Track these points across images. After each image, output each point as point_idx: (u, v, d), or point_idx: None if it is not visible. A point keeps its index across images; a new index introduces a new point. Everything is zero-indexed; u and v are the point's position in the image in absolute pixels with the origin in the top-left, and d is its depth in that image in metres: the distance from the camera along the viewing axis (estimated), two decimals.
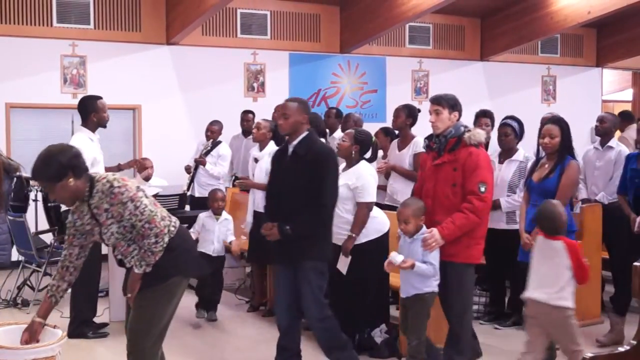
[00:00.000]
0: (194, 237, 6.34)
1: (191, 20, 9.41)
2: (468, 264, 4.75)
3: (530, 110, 10.62)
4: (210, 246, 6.69)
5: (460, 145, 4.68)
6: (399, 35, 11.77)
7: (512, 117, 6.57)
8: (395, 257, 4.61)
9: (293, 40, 11.10)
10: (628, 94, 14.61)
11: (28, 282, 7.53)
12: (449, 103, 4.76)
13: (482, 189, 4.58)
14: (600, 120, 6.96)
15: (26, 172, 7.99)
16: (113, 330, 6.18)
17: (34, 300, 7.12)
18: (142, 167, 8.42)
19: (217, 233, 6.72)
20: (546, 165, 5.36)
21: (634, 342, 4.02)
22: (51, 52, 9.62)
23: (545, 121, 5.63)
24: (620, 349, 4.10)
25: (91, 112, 6.20)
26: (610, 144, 6.79)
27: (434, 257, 4.61)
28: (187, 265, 3.99)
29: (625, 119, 9.50)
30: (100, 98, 6.32)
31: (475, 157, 4.64)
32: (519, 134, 6.44)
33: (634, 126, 8.17)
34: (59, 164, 3.65)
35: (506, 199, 6.26)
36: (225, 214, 6.85)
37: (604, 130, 6.88)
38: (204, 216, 6.82)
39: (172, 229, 3.89)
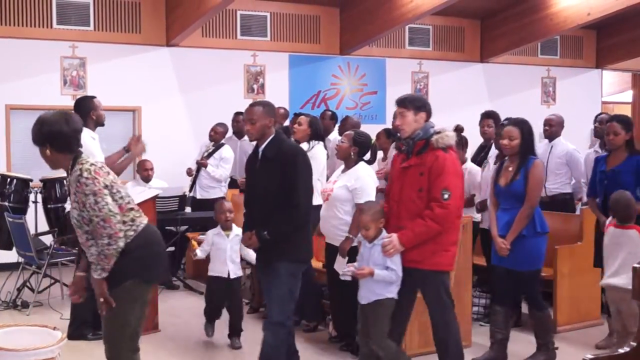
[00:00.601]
0: (202, 255, 6.09)
1: (191, 22, 9.42)
2: (435, 271, 4.56)
3: (530, 111, 10.61)
4: (224, 268, 5.97)
5: (428, 149, 4.53)
6: (398, 37, 11.77)
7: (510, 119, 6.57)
8: (343, 266, 4.62)
9: (293, 42, 11.10)
10: (628, 96, 14.62)
11: (28, 284, 7.52)
12: (414, 104, 4.61)
13: (445, 196, 4.42)
14: (600, 121, 7.01)
15: (26, 174, 8.03)
16: None
17: (34, 301, 7.12)
18: (142, 168, 8.43)
19: (229, 252, 5.99)
20: (510, 168, 5.30)
21: (634, 344, 4.02)
22: (51, 53, 9.62)
23: (506, 123, 5.53)
24: (621, 351, 4.09)
25: (89, 110, 6.20)
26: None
27: (396, 262, 4.52)
28: (144, 269, 3.89)
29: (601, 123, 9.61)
30: (95, 97, 6.32)
31: (442, 161, 4.47)
32: None
33: None
34: (39, 131, 3.83)
35: None
36: (235, 229, 5.99)
37: (603, 131, 6.89)
38: (212, 234, 6.07)
39: (132, 233, 3.83)
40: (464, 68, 12.33)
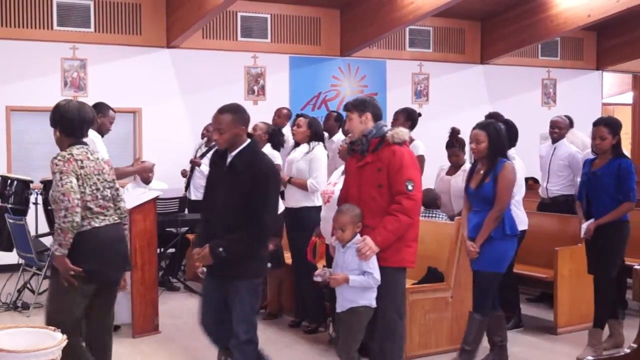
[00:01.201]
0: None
1: (191, 24, 9.42)
2: (399, 267, 4.53)
3: (531, 113, 10.64)
4: None
5: (384, 145, 4.53)
6: (399, 39, 11.78)
7: (505, 122, 6.56)
8: (321, 274, 4.51)
9: (293, 44, 11.10)
10: (628, 97, 14.63)
11: (28, 285, 7.53)
12: (358, 107, 4.65)
13: (410, 187, 4.41)
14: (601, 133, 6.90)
15: (26, 176, 8.03)
16: (115, 333, 6.17)
17: (34, 303, 7.12)
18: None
19: None
20: (481, 172, 5.24)
21: (635, 345, 4.02)
22: (52, 55, 9.63)
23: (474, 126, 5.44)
24: (621, 352, 4.09)
25: (98, 114, 6.20)
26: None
27: (373, 266, 4.39)
28: (85, 266, 4.11)
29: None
30: (113, 109, 6.41)
31: (400, 155, 4.47)
32: (509, 137, 6.38)
33: (574, 130, 8.22)
34: (53, 115, 4.50)
35: None
36: None
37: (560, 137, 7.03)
38: None
39: (91, 224, 4.15)
40: (465, 70, 12.33)
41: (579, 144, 7.76)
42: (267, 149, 6.73)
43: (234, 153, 4.36)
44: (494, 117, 7.41)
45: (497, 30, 12.12)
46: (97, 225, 4.18)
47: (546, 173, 7.40)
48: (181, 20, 9.71)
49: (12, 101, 9.47)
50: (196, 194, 8.75)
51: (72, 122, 4.41)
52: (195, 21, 9.31)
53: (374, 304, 4.44)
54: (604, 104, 13.84)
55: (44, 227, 7.92)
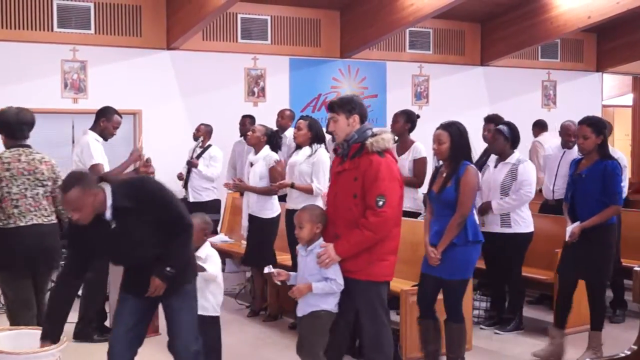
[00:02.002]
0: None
1: (192, 25, 9.42)
2: (372, 281, 4.33)
3: (531, 115, 10.63)
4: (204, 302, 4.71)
5: (363, 152, 4.30)
6: (399, 40, 11.78)
7: (506, 123, 6.58)
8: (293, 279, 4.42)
9: (293, 45, 11.11)
10: (628, 99, 14.63)
11: None
12: (344, 107, 4.38)
13: (380, 203, 4.19)
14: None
15: None
16: None
17: None
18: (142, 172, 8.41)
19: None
20: (444, 175, 5.06)
21: (635, 347, 4.01)
22: (52, 57, 9.63)
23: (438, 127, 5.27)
24: (621, 354, 4.09)
25: (102, 117, 6.29)
26: None
27: (335, 271, 4.28)
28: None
29: (538, 127, 9.90)
30: (119, 114, 6.39)
31: (376, 166, 4.23)
32: (511, 139, 6.42)
33: (546, 134, 8.24)
34: None
35: (498, 201, 6.28)
36: (205, 248, 4.83)
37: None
38: None
39: (16, 222, 4.92)
40: (465, 71, 12.34)
41: (554, 148, 7.71)
42: (266, 151, 6.77)
43: (107, 211, 3.85)
44: (493, 119, 7.43)
45: (497, 32, 12.13)
46: (22, 224, 4.94)
47: (553, 175, 7.31)
48: (181, 22, 9.71)
49: (12, 103, 9.32)
50: (194, 196, 8.74)
51: (10, 126, 5.10)
52: (195, 23, 9.32)
53: (335, 309, 4.35)
54: (604, 106, 13.85)
55: None
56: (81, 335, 6.06)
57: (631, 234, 7.02)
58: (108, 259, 4.23)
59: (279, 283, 4.58)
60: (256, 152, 6.90)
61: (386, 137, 4.34)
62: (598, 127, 5.43)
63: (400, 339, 5.48)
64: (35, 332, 4.07)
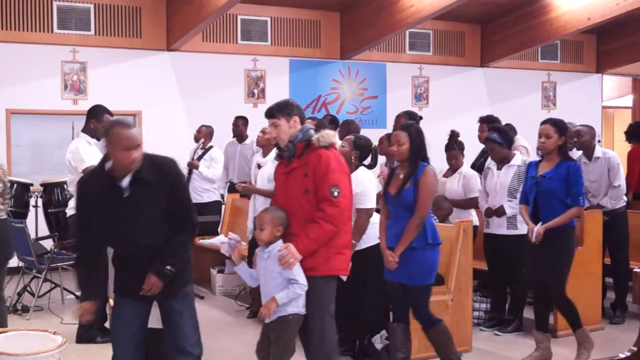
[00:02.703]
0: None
1: (192, 27, 9.43)
2: (329, 276, 4.31)
3: (531, 116, 10.63)
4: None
5: (310, 149, 4.31)
6: (399, 42, 11.79)
7: (494, 128, 6.55)
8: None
9: (293, 47, 11.11)
10: (628, 100, 14.63)
11: (28, 288, 7.52)
12: (283, 111, 4.37)
13: (335, 194, 4.19)
14: (578, 134, 6.87)
15: (26, 179, 8.03)
16: None
17: (34, 306, 7.11)
18: None
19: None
20: (401, 176, 4.92)
21: (635, 348, 4.02)
22: (52, 58, 9.63)
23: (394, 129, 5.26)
24: (621, 355, 4.09)
25: (92, 118, 6.23)
26: (596, 154, 6.85)
27: (297, 272, 4.18)
28: None
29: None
30: (110, 114, 6.30)
31: (326, 160, 4.25)
32: (506, 141, 6.40)
33: (518, 137, 8.23)
34: None
35: (509, 204, 6.27)
36: None
37: (582, 145, 6.87)
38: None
39: None
40: (465, 73, 12.35)
41: (523, 152, 7.70)
42: (275, 152, 6.68)
43: (129, 177, 3.84)
44: (487, 120, 7.46)
45: (497, 33, 12.14)
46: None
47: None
48: (181, 23, 9.72)
49: (13, 104, 9.47)
50: (195, 197, 8.72)
51: None
52: (195, 24, 9.32)
53: (303, 310, 4.26)
54: (603, 107, 13.85)
55: (44, 230, 7.93)
56: (84, 338, 6.06)
57: (632, 235, 7.01)
58: (111, 239, 4.08)
59: (233, 265, 4.40)
60: (264, 154, 6.82)
61: (330, 133, 4.42)
62: (561, 127, 5.40)
63: None
64: (35, 334, 4.07)
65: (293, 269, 4.17)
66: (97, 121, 6.20)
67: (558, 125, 5.41)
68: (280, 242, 4.24)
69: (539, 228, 5.35)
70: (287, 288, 4.19)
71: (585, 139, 6.86)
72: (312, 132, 4.38)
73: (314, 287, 4.25)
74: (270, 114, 4.42)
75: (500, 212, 6.29)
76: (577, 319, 5.51)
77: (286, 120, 4.37)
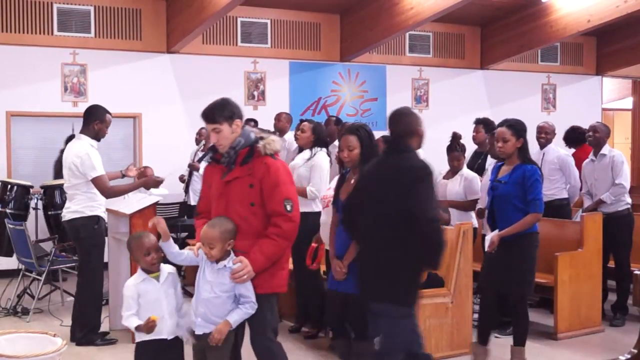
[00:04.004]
0: (133, 320, 4.07)
1: (192, 29, 9.43)
2: (272, 294, 4.07)
3: (531, 118, 10.61)
4: (160, 324, 4.05)
5: (254, 156, 4.01)
6: (399, 44, 11.79)
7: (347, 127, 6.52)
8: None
9: (293, 49, 11.12)
10: (628, 102, 14.63)
11: (28, 291, 7.52)
12: (224, 114, 4.05)
13: (289, 208, 3.93)
14: (594, 130, 7.01)
15: (26, 181, 8.03)
16: (115, 338, 6.18)
17: (34, 308, 7.11)
18: (142, 174, 8.42)
19: (165, 302, 4.12)
20: (352, 181, 4.63)
21: (635, 351, 4.01)
22: (52, 60, 9.64)
23: (343, 132, 4.93)
24: (621, 358, 4.08)
25: (95, 119, 6.19)
26: (602, 151, 6.94)
27: (250, 288, 3.92)
28: None
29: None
30: (109, 112, 6.31)
31: (275, 170, 3.98)
32: None
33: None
34: None
35: None
36: (165, 268, 4.22)
37: (596, 141, 6.98)
38: (134, 283, 4.14)
39: None
40: (464, 75, 12.35)
41: (534, 152, 7.76)
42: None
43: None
44: (483, 122, 7.49)
45: (497, 36, 12.14)
46: None
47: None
48: (181, 26, 9.72)
49: (13, 106, 9.47)
50: (195, 199, 8.73)
51: None
52: (195, 26, 9.33)
53: (235, 325, 3.98)
54: (603, 109, 13.85)
55: (44, 232, 7.93)
56: (84, 341, 6.06)
57: (633, 237, 7.02)
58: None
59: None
60: None
61: (276, 139, 4.14)
62: (518, 129, 5.19)
63: None
64: (35, 336, 4.06)
65: (246, 284, 3.90)
66: (101, 122, 6.18)
67: (514, 127, 5.19)
68: (233, 255, 3.92)
69: (493, 236, 5.13)
70: (236, 306, 3.92)
71: (600, 136, 6.99)
72: (253, 136, 4.08)
73: (260, 305, 3.98)
74: (212, 118, 4.07)
75: (483, 212, 6.28)
76: (525, 334, 5.34)
77: (228, 125, 4.04)
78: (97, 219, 6.13)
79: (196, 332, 3.98)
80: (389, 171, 4.09)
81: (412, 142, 4.20)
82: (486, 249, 5.13)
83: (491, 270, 5.26)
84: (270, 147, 4.04)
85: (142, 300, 4.08)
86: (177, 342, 4.17)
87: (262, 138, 4.08)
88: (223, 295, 3.90)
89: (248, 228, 3.94)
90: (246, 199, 3.97)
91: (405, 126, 4.21)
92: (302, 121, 6.75)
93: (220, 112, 4.07)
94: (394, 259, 3.96)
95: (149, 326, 3.96)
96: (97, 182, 5.98)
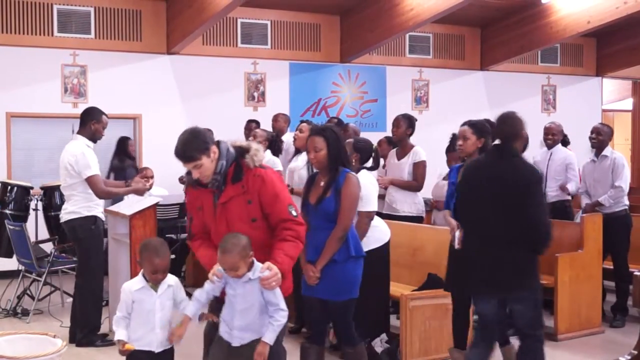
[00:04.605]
0: (119, 331, 3.99)
1: (192, 30, 9.43)
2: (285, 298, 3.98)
3: (531, 119, 10.61)
4: (151, 336, 3.98)
5: (244, 171, 3.88)
6: (399, 45, 11.79)
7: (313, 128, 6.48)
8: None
9: (293, 50, 11.12)
10: (628, 104, 14.64)
11: (28, 292, 7.52)
12: (200, 148, 3.80)
13: (294, 213, 3.90)
14: (597, 132, 7.04)
15: (26, 182, 8.03)
16: (113, 340, 6.18)
17: (34, 309, 7.11)
18: (142, 176, 8.43)
19: (159, 313, 4.00)
20: (322, 183, 4.54)
21: (635, 352, 4.01)
22: (52, 61, 9.64)
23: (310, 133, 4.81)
24: (621, 359, 4.08)
25: (91, 120, 6.21)
26: (604, 153, 6.95)
27: (280, 296, 3.83)
28: None
29: None
30: (105, 113, 6.33)
31: (270, 181, 3.88)
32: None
33: None
34: None
35: None
36: (167, 279, 4.04)
37: (599, 143, 7.03)
38: (131, 289, 4.02)
39: None
40: (464, 76, 12.35)
41: (542, 152, 7.79)
42: (268, 156, 6.72)
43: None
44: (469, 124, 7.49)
45: (497, 37, 12.14)
46: None
47: (544, 179, 7.37)
48: (181, 27, 9.72)
49: (13, 107, 9.47)
50: None
51: None
52: (195, 27, 9.33)
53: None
54: (603, 110, 13.85)
55: (44, 234, 7.92)
56: (85, 342, 6.06)
57: (632, 238, 7.02)
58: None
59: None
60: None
61: (258, 147, 4.01)
62: (479, 128, 5.14)
63: (400, 345, 5.48)
64: (35, 337, 4.06)
65: (276, 291, 3.80)
66: (97, 122, 6.21)
67: (476, 126, 5.16)
68: (258, 264, 3.80)
69: (461, 233, 4.89)
70: (267, 316, 3.84)
71: (603, 138, 7.05)
72: (232, 150, 3.94)
73: None
74: (189, 156, 3.81)
75: None
76: (465, 336, 5.23)
77: (207, 156, 3.82)
78: (94, 219, 6.12)
79: (233, 344, 3.87)
80: (506, 176, 4.36)
81: (518, 144, 4.55)
82: (455, 246, 4.90)
83: (459, 270, 5.04)
84: (258, 157, 3.93)
85: (137, 306, 3.99)
86: (166, 353, 4.07)
87: (242, 149, 3.94)
88: (256, 303, 3.83)
89: (253, 243, 3.80)
90: (246, 216, 3.89)
91: (512, 129, 4.53)
92: (301, 122, 6.75)
93: (195, 147, 3.81)
94: (522, 254, 4.33)
95: (121, 352, 3.90)
96: (91, 181, 5.98)
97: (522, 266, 4.34)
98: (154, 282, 3.99)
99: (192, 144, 3.81)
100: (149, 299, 3.98)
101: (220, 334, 3.92)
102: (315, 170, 4.76)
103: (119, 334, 3.96)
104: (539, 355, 4.47)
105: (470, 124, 5.21)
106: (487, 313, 4.53)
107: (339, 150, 4.55)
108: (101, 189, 6.08)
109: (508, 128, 4.54)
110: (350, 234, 4.52)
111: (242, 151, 3.94)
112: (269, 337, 3.79)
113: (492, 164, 4.48)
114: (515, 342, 4.78)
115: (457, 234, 4.90)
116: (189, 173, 3.96)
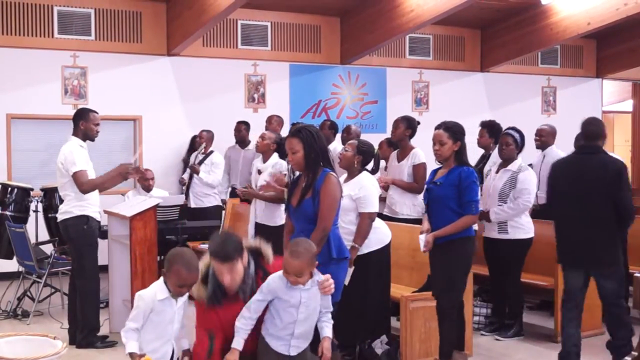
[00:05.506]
0: (131, 344, 3.80)
1: (192, 32, 9.43)
2: None
3: (531, 121, 10.63)
4: (166, 347, 3.92)
5: (267, 270, 4.05)
6: (399, 46, 11.80)
7: (514, 128, 6.59)
8: (347, 276, 4.23)
9: (293, 51, 11.12)
10: (628, 105, 14.64)
11: (28, 293, 7.52)
12: (238, 249, 3.91)
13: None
14: (540, 133, 7.42)
15: (27, 183, 8.03)
16: (114, 340, 6.17)
17: (34, 311, 7.10)
18: (142, 177, 8.42)
19: (176, 325, 3.93)
20: (303, 185, 4.54)
21: (635, 354, 4.01)
22: (52, 63, 9.64)
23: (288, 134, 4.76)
24: None
25: (80, 120, 6.20)
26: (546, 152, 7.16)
27: (330, 298, 4.08)
28: None
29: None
30: (95, 111, 6.30)
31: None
32: (520, 145, 6.46)
33: None
34: None
35: (495, 209, 6.28)
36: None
37: (542, 145, 7.61)
38: (152, 298, 3.86)
39: None
40: (465, 77, 12.35)
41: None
42: (275, 158, 6.67)
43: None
44: (491, 125, 7.51)
45: (497, 38, 12.14)
46: None
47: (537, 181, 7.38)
48: (182, 28, 9.73)
49: (13, 109, 9.47)
50: (196, 202, 8.76)
51: None
52: (195, 29, 9.33)
53: None
54: (603, 112, 13.85)
55: (44, 235, 7.92)
56: (84, 344, 6.05)
57: (632, 241, 6.99)
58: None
59: None
60: (264, 160, 6.79)
61: (262, 243, 4.12)
62: (455, 132, 5.04)
63: (400, 346, 5.47)
64: (35, 339, 4.06)
65: (327, 295, 4.01)
66: (86, 121, 6.17)
67: (451, 129, 5.05)
68: (315, 270, 3.95)
69: (427, 236, 4.96)
70: (321, 320, 4.05)
71: (545, 139, 7.57)
72: (249, 257, 3.98)
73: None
74: (229, 257, 3.82)
75: (484, 216, 6.27)
76: (452, 346, 5.11)
77: (241, 259, 3.89)
78: (86, 218, 6.06)
79: (292, 354, 3.95)
80: (597, 168, 5.12)
81: (601, 143, 5.26)
82: (422, 249, 4.97)
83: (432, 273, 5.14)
84: (269, 253, 4.08)
85: (155, 317, 3.84)
86: None
87: (255, 250, 4.07)
88: (316, 309, 3.96)
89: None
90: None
91: (597, 129, 5.25)
92: (294, 125, 6.75)
93: (234, 248, 3.84)
94: (610, 235, 5.14)
95: None
96: (75, 176, 5.94)
97: (611, 243, 5.14)
98: (178, 295, 3.88)
99: (231, 245, 3.84)
100: (170, 310, 3.87)
101: (273, 348, 3.95)
102: (297, 174, 4.75)
103: (131, 347, 3.79)
104: (623, 320, 5.30)
105: (446, 127, 5.06)
106: (575, 285, 5.32)
107: (316, 150, 4.49)
108: (85, 182, 5.96)
109: (594, 128, 5.24)
110: (332, 235, 4.48)
111: (256, 253, 4.04)
112: (330, 334, 4.03)
113: (582, 159, 5.23)
114: None
115: (422, 237, 4.98)
116: (214, 296, 3.95)
